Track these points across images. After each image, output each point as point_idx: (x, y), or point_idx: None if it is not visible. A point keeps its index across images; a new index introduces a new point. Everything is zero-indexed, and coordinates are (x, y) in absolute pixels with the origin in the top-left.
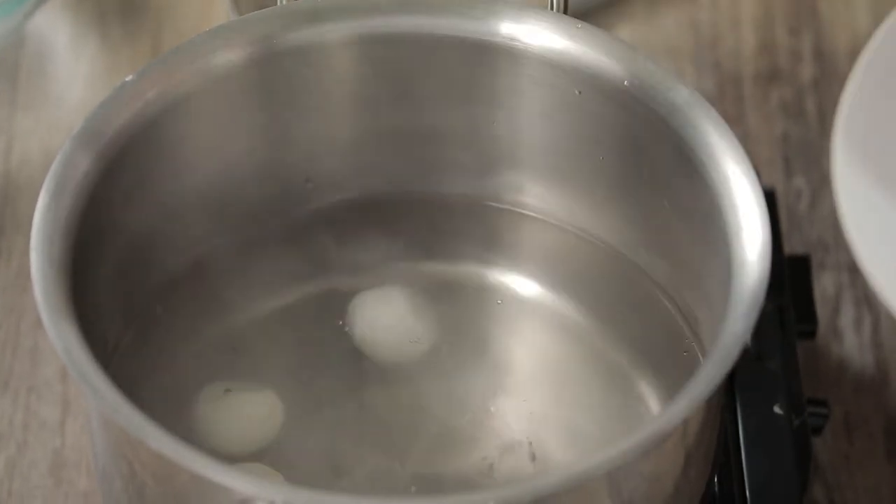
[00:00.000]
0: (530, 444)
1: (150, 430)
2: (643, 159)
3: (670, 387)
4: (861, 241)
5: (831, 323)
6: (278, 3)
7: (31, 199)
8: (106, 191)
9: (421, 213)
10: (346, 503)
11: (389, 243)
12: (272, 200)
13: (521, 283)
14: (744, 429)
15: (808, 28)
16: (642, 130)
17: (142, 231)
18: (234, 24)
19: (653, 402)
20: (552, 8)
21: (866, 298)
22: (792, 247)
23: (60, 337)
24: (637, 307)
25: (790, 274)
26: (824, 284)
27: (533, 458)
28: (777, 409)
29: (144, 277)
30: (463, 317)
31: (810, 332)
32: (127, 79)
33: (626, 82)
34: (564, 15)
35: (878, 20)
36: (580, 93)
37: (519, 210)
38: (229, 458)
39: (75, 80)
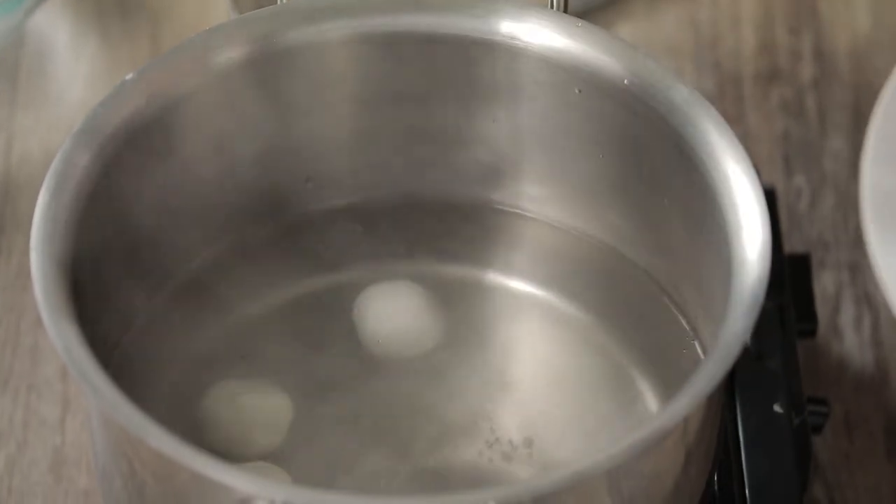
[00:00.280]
0: (531, 442)
1: (150, 429)
2: (643, 158)
3: (670, 385)
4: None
5: (831, 321)
6: (278, 1)
7: (31, 198)
8: (106, 189)
9: (421, 212)
10: (346, 502)
11: (389, 243)
12: (272, 199)
13: (521, 283)
14: (744, 427)
15: (808, 28)
16: (642, 129)
17: (142, 229)
18: (233, 22)
19: (653, 400)
20: (552, 6)
21: (866, 297)
22: (792, 245)
23: (60, 335)
24: (637, 306)
25: (790, 273)
26: (824, 283)
27: (533, 456)
28: (777, 408)
29: (145, 275)
30: (463, 316)
31: (810, 330)
32: (127, 77)
33: (626, 81)
34: (564, 13)
35: (878, 20)
36: (580, 91)
37: (519, 209)
38: (238, 458)
39: (75, 78)
